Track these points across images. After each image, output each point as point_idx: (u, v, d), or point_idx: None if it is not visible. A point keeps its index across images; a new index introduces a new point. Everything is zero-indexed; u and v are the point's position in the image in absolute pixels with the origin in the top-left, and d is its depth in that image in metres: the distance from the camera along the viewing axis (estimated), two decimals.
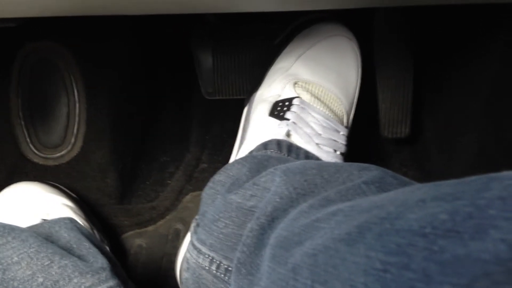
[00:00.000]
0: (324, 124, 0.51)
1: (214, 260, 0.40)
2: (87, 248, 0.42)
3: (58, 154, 0.63)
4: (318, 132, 0.50)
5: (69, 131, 0.62)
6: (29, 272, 0.36)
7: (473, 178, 0.22)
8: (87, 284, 0.37)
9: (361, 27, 0.70)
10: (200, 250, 0.41)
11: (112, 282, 0.39)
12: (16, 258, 0.37)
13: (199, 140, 0.74)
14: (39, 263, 0.37)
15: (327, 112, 0.52)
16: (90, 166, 0.63)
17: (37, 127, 0.63)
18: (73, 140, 0.62)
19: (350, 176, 0.36)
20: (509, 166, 0.54)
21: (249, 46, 0.58)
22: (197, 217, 0.45)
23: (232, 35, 0.58)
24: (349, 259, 0.23)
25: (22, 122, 0.62)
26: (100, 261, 0.41)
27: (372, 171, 0.36)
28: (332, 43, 0.56)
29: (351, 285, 0.22)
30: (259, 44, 0.59)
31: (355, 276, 0.22)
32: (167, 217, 0.66)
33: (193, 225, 0.45)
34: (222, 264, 0.39)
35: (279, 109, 0.52)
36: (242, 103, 0.61)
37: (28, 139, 0.62)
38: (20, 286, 0.36)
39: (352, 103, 0.56)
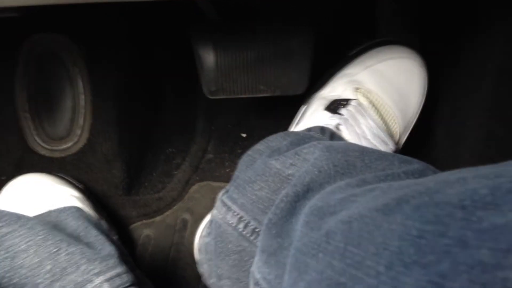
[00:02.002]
0: (375, 132, 0.51)
1: (243, 219, 0.41)
2: (94, 236, 0.42)
3: (65, 146, 0.63)
4: (367, 137, 0.51)
5: (75, 123, 0.62)
6: (37, 260, 0.37)
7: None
8: (95, 271, 0.37)
9: (364, 14, 0.70)
10: (230, 207, 0.42)
11: (120, 269, 0.39)
12: (23, 246, 0.37)
13: (204, 131, 0.74)
14: (46, 250, 0.37)
15: (381, 123, 0.53)
16: (97, 157, 0.63)
17: (43, 119, 0.63)
18: (79, 132, 0.63)
19: (391, 166, 0.37)
20: None
21: (253, 43, 0.57)
22: (226, 186, 0.46)
23: (234, 32, 0.57)
24: (384, 226, 0.24)
25: (28, 115, 0.62)
26: (108, 248, 0.41)
27: (413, 164, 0.37)
28: (403, 65, 0.56)
29: (385, 248, 0.23)
30: (263, 41, 0.58)
31: (389, 240, 0.23)
32: (174, 207, 0.67)
33: (221, 192, 0.46)
34: (250, 224, 0.40)
35: (335, 105, 0.53)
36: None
37: (34, 131, 0.63)
38: (28, 273, 0.36)
39: (408, 127, 0.57)
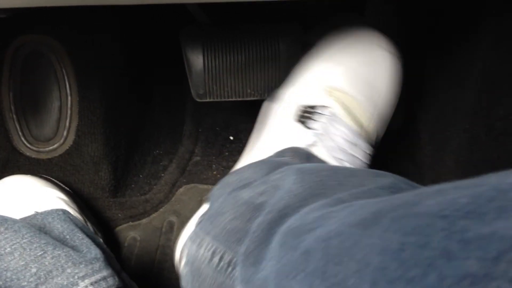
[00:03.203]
0: (351, 140, 0.49)
1: (217, 251, 0.39)
2: (80, 239, 0.42)
3: (51, 148, 0.63)
4: (342, 148, 0.49)
5: (61, 124, 0.62)
6: (22, 263, 0.36)
7: (492, 174, 0.22)
8: (81, 274, 0.37)
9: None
10: (203, 238, 0.41)
11: (105, 272, 0.39)
12: (9, 249, 0.37)
13: (192, 133, 0.74)
14: (32, 253, 0.37)
15: (356, 128, 0.50)
16: (83, 159, 0.63)
17: (29, 121, 0.62)
18: (65, 133, 0.62)
19: (364, 181, 0.36)
20: (500, 155, 0.54)
21: (242, 46, 0.57)
22: (200, 216, 0.45)
23: (223, 35, 0.57)
24: (363, 241, 0.23)
25: (14, 116, 0.62)
26: (94, 251, 0.41)
27: (387, 178, 0.36)
28: (376, 58, 0.53)
29: (367, 264, 0.22)
30: (252, 44, 0.58)
31: (371, 256, 0.22)
32: (161, 209, 0.67)
33: (197, 220, 0.45)
34: (224, 256, 0.39)
35: (307, 116, 0.50)
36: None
37: (20, 133, 0.62)
38: (13, 276, 0.36)
39: (385, 121, 0.55)
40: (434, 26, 0.64)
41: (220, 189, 0.45)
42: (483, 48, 0.54)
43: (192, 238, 0.43)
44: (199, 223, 0.43)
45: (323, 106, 0.50)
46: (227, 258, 0.39)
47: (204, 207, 0.48)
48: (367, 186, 0.35)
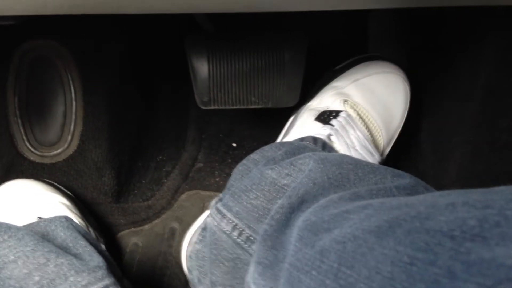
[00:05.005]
0: (363, 143, 0.53)
1: (237, 227, 0.41)
2: (83, 247, 0.42)
3: (55, 152, 0.63)
4: (355, 147, 0.52)
5: (66, 129, 0.62)
6: (25, 271, 0.36)
7: (502, 188, 0.23)
8: (83, 283, 0.37)
9: (355, 30, 0.71)
10: (224, 215, 0.43)
11: (108, 281, 0.39)
12: (12, 257, 0.37)
13: (195, 139, 0.74)
14: (35, 261, 0.37)
15: (368, 134, 0.55)
16: (87, 164, 0.63)
17: (34, 125, 0.63)
18: (69, 138, 0.62)
19: (383, 179, 0.38)
20: (503, 166, 0.54)
21: (247, 54, 0.58)
22: (220, 194, 0.47)
23: (228, 43, 0.57)
24: (377, 250, 0.24)
25: (19, 120, 0.62)
26: (96, 259, 0.41)
27: (405, 179, 0.37)
28: (388, 79, 0.59)
29: (377, 272, 0.23)
30: (257, 53, 0.59)
31: (382, 265, 0.23)
32: (163, 216, 0.67)
33: (214, 200, 0.47)
34: (244, 232, 0.41)
35: (326, 116, 0.54)
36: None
37: (24, 137, 0.62)
38: (17, 284, 0.36)
39: (391, 139, 0.59)
40: (437, 38, 0.64)
41: (243, 166, 0.48)
42: (488, 60, 0.54)
43: (213, 213, 0.44)
44: (219, 200, 0.45)
45: (341, 111, 0.55)
46: (246, 233, 0.41)
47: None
48: (385, 184, 0.36)
